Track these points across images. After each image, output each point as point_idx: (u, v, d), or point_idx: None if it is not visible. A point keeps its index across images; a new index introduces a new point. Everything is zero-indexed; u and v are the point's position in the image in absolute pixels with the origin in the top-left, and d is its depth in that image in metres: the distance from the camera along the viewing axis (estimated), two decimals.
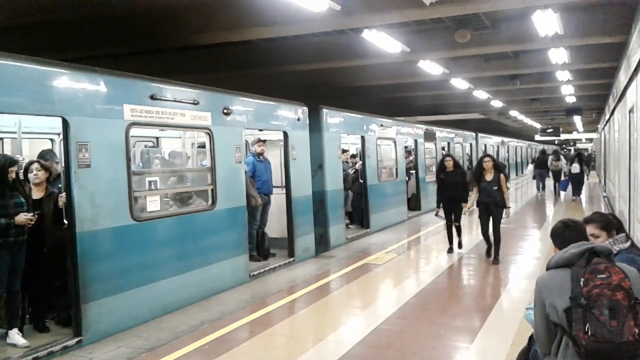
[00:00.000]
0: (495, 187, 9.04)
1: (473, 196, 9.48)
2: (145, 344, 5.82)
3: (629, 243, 3.76)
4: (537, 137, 39.38)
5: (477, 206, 9.38)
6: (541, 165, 22.57)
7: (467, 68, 15.00)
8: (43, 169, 6.05)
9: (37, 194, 5.99)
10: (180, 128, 8.24)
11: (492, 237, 9.42)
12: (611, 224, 3.83)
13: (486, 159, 9.32)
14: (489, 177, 9.13)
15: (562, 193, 21.38)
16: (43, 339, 5.79)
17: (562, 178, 21.13)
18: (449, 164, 9.93)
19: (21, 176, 5.99)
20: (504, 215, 9.21)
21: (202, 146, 8.56)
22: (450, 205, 9.96)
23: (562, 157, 22.49)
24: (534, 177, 23.52)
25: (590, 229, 3.69)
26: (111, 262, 6.18)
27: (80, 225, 5.76)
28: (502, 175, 9.15)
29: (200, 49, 12.32)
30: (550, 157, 22.01)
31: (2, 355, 5.33)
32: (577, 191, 19.99)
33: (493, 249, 9.39)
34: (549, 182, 22.56)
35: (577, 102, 24.83)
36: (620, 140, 12.50)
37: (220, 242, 7.90)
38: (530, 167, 25.88)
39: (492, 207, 9.12)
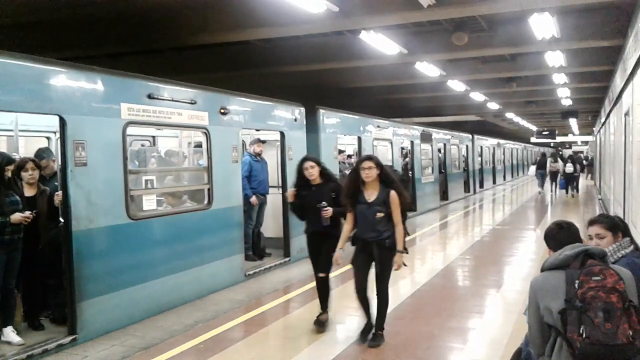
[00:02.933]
0: (381, 214, 5.40)
1: (345, 228, 5.73)
2: (140, 342, 5.82)
3: (631, 247, 3.75)
4: (533, 139, 39.47)
5: (353, 244, 5.71)
6: (541, 166, 25.06)
7: (464, 70, 15.03)
8: (37, 167, 6.05)
9: (29, 192, 5.98)
10: (177, 127, 8.23)
11: (374, 298, 5.70)
12: (617, 225, 3.80)
13: (366, 163, 5.48)
14: (371, 195, 5.48)
15: (559, 191, 23.56)
16: (38, 337, 5.78)
17: (559, 177, 23.65)
18: (314, 171, 6.03)
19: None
20: (393, 265, 5.53)
21: (199, 146, 8.56)
22: (318, 244, 6.11)
23: (559, 159, 24.69)
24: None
25: (596, 229, 3.66)
26: (107, 261, 6.17)
27: (76, 223, 5.76)
28: (392, 193, 5.44)
29: (198, 49, 12.32)
30: (549, 160, 24.49)
31: None
32: (572, 187, 22.94)
33: (375, 318, 5.71)
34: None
35: (573, 105, 24.93)
36: (616, 143, 12.55)
37: (215, 241, 7.90)
38: (532, 168, 28.91)
39: (375, 249, 5.46)
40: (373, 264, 5.60)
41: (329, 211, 5.88)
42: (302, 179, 6.10)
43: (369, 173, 5.42)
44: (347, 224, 5.72)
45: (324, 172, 6.14)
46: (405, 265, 5.63)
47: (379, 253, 5.49)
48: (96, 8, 9.21)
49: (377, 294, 5.64)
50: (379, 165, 5.50)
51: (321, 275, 6.18)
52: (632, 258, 3.55)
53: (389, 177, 5.56)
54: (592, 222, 3.73)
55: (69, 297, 5.77)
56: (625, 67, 9.61)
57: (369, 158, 5.60)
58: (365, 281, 5.61)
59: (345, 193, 5.68)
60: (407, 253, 5.61)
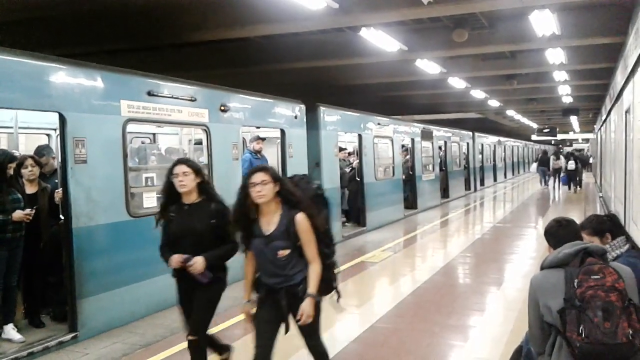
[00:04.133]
0: (285, 251, 3.77)
1: (247, 270, 4.10)
2: (141, 340, 5.82)
3: (627, 246, 3.75)
4: (534, 137, 39.46)
5: (257, 290, 4.06)
6: (543, 163, 26.04)
7: (464, 67, 15.02)
8: (37, 164, 6.06)
9: (30, 189, 5.98)
10: (177, 125, 8.22)
11: None
12: (602, 226, 3.81)
13: (257, 176, 3.72)
14: (269, 224, 3.81)
15: (561, 187, 24.54)
16: (38, 334, 5.79)
17: (562, 174, 24.65)
18: (186, 180, 4.16)
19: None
20: (310, 313, 3.77)
21: (199, 143, 8.56)
22: (189, 289, 4.34)
23: (561, 156, 25.99)
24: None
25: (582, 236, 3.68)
26: (107, 258, 6.17)
27: (76, 220, 5.76)
28: (299, 217, 3.75)
29: (198, 46, 12.31)
30: (551, 157, 25.65)
31: None
32: (575, 184, 23.87)
33: None
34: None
35: (573, 103, 24.94)
36: (617, 140, 12.52)
37: None
38: (534, 165, 30.18)
39: (284, 301, 3.83)
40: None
41: (195, 266, 4.08)
42: (172, 193, 4.21)
43: (262, 191, 3.69)
44: (247, 264, 4.04)
45: (204, 186, 4.29)
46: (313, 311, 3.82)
47: (291, 306, 3.81)
48: (95, 4, 9.19)
49: (310, 351, 4.13)
50: (276, 178, 3.77)
51: (190, 337, 4.29)
52: (627, 258, 3.54)
53: (293, 194, 3.82)
54: (580, 228, 3.72)
55: (69, 294, 5.77)
56: (626, 65, 9.58)
57: (262, 169, 3.81)
58: (270, 346, 3.87)
59: (234, 219, 3.93)
60: (339, 295, 4.08)
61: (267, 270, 3.89)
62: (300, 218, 3.75)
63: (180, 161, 4.31)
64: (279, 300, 3.84)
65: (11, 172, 5.65)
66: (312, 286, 3.78)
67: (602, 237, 3.76)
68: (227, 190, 7.97)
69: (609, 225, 3.84)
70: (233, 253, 4.28)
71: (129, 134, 6.77)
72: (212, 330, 5.96)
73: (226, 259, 4.37)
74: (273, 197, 3.77)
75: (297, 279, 3.82)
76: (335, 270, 4.08)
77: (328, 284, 3.98)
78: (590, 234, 3.72)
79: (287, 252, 3.77)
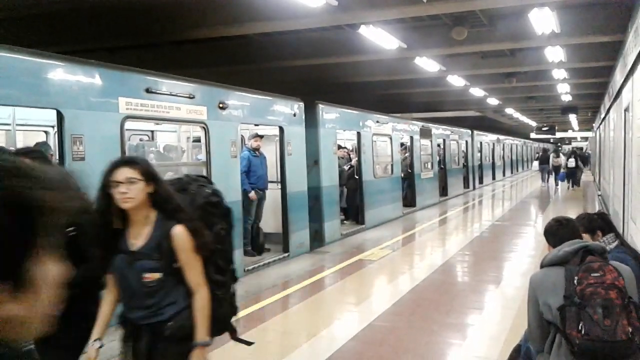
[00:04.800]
0: (154, 275, 2.76)
1: (105, 302, 3.03)
2: None
3: (616, 243, 3.78)
4: (533, 135, 39.47)
5: (122, 326, 3.04)
6: (544, 161, 26.57)
7: (463, 65, 15.00)
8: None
9: None
10: (175, 122, 8.21)
11: None
12: (593, 224, 3.84)
13: (121, 172, 2.74)
14: (138, 237, 2.80)
15: (560, 183, 25.07)
16: None
17: (561, 171, 25.07)
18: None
19: None
20: None
21: (198, 140, 8.54)
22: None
23: (561, 154, 26.53)
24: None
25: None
26: None
27: None
28: (176, 231, 2.75)
29: (197, 44, 12.29)
30: (551, 155, 26.09)
31: None
32: (574, 182, 24.25)
33: None
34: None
35: (572, 101, 24.95)
36: (616, 139, 12.53)
37: None
38: (536, 163, 31.01)
39: (146, 341, 2.87)
40: None
41: None
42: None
43: (129, 192, 2.72)
44: (106, 294, 3.03)
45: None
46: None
47: (148, 348, 2.89)
48: (96, 2, 9.18)
49: None
50: (148, 176, 2.78)
51: None
52: (616, 254, 3.57)
53: (169, 199, 2.83)
54: None
55: None
56: (625, 63, 9.58)
57: (129, 162, 2.87)
58: None
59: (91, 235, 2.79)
60: (236, 336, 3.22)
61: (130, 300, 2.89)
62: (179, 231, 2.76)
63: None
64: (140, 342, 2.89)
65: None
66: (201, 329, 2.82)
67: (594, 234, 3.79)
68: (225, 188, 8.01)
69: (599, 223, 3.88)
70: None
71: (127, 131, 6.75)
72: None
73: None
74: (145, 201, 2.77)
75: (166, 314, 2.82)
76: (236, 303, 3.19)
77: (221, 322, 3.03)
78: (581, 232, 3.73)
79: (156, 276, 2.77)
